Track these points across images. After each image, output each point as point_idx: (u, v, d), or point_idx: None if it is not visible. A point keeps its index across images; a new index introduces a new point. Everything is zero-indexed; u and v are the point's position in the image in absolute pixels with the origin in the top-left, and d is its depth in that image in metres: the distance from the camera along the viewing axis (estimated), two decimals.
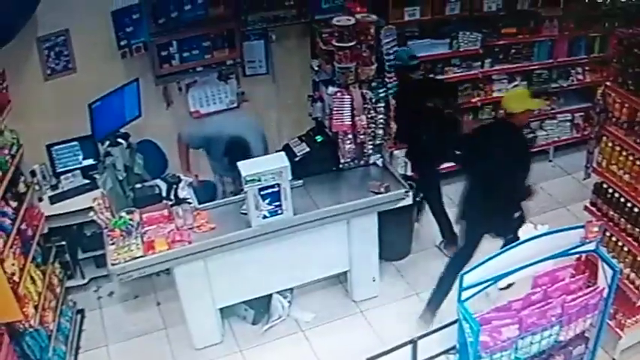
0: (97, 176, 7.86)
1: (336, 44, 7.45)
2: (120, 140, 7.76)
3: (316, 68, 8.00)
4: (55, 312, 7.27)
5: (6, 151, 6.88)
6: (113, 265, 6.72)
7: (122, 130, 8.01)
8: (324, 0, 9.12)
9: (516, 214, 7.58)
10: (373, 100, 7.73)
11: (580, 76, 10.81)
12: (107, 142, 7.73)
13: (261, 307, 8.00)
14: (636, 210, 6.68)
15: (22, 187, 7.16)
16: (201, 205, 7.47)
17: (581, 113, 11.08)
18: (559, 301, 4.88)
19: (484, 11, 9.67)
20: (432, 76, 9.51)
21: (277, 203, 7.02)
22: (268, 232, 7.20)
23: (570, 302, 4.91)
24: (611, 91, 6.87)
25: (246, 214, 7.12)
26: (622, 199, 6.86)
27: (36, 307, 6.62)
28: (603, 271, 5.04)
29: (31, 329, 6.51)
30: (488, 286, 4.71)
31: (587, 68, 10.81)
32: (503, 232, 7.58)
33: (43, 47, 8.13)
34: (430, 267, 8.55)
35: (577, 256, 5.21)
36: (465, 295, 4.67)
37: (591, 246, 5.00)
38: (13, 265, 6.26)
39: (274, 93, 9.66)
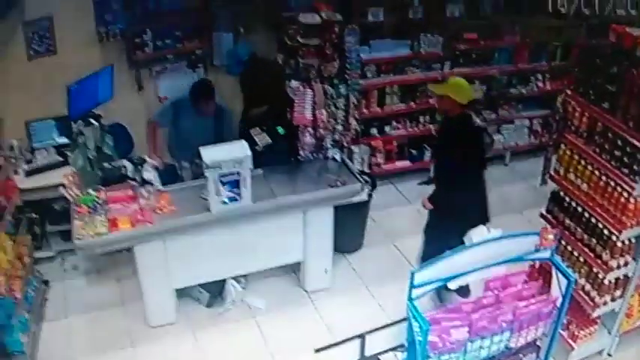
0: (69, 154, 8.20)
1: (301, 40, 7.63)
2: (92, 121, 8.09)
3: (281, 62, 8.08)
4: (22, 281, 7.34)
5: None
6: (78, 239, 6.91)
7: (95, 112, 8.29)
8: None
9: None
10: (334, 96, 7.92)
11: (540, 83, 11.03)
12: (81, 122, 8.03)
13: (215, 290, 8.11)
14: (593, 220, 6.64)
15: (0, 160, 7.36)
16: (164, 188, 7.62)
17: (540, 120, 11.26)
18: (511, 307, 4.94)
19: (447, 16, 9.90)
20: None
21: (237, 190, 7.18)
22: (227, 218, 7.36)
23: (522, 309, 4.96)
24: (571, 100, 6.83)
25: (206, 199, 7.26)
26: (579, 209, 6.82)
27: (5, 276, 6.76)
28: (557, 280, 5.10)
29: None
30: (439, 286, 4.82)
31: (547, 76, 10.98)
32: None
33: (28, 30, 8.44)
34: (381, 261, 8.79)
35: (531, 262, 5.29)
36: (415, 293, 4.70)
37: (546, 254, 5.08)
38: None
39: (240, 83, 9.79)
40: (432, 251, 7.27)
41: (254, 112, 9.24)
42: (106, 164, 7.98)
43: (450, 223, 7.21)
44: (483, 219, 7.26)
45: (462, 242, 7.23)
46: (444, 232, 7.27)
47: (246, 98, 9.44)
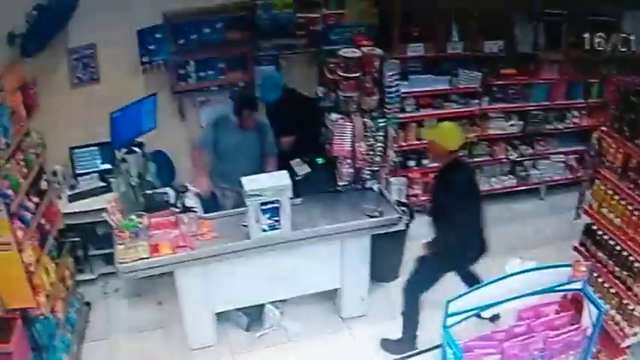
0: (112, 180, 8.41)
1: (342, 74, 7.76)
2: (135, 149, 8.24)
3: (321, 95, 8.27)
4: (64, 302, 7.50)
5: (32, 151, 7.17)
6: (121, 263, 7.07)
7: (138, 140, 8.45)
8: (332, 32, 9.45)
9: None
10: (373, 129, 7.96)
11: (576, 119, 11.00)
12: (124, 150, 8.19)
13: (254, 314, 8.22)
14: (625, 253, 6.60)
15: (43, 185, 7.41)
16: (206, 215, 7.78)
17: (576, 155, 11.27)
18: (542, 336, 4.89)
19: (485, 52, 10.00)
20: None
21: (276, 218, 7.27)
22: (266, 245, 7.44)
23: (553, 338, 4.92)
24: (606, 136, 6.83)
25: (246, 226, 7.35)
26: (611, 242, 6.77)
27: (47, 297, 6.85)
28: (588, 310, 5.02)
29: (41, 316, 6.74)
30: (473, 314, 4.73)
31: (583, 112, 10.97)
32: None
33: (72, 58, 8.66)
34: None
35: (563, 293, 5.21)
36: (450, 321, 4.62)
37: (578, 285, 4.99)
38: (30, 255, 6.50)
39: None
40: (421, 280, 7.49)
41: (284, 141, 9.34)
42: (148, 191, 8.08)
43: (447, 259, 7.38)
44: (482, 254, 7.45)
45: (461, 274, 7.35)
46: (440, 265, 7.44)
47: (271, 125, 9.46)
